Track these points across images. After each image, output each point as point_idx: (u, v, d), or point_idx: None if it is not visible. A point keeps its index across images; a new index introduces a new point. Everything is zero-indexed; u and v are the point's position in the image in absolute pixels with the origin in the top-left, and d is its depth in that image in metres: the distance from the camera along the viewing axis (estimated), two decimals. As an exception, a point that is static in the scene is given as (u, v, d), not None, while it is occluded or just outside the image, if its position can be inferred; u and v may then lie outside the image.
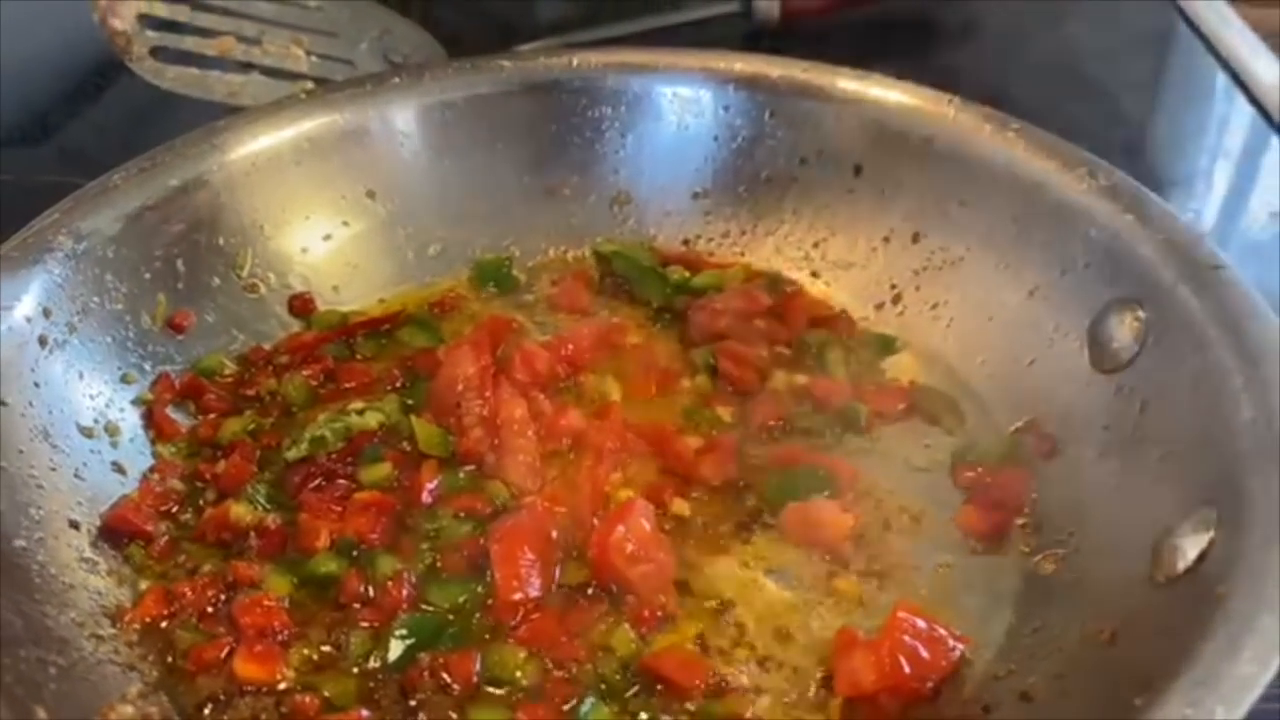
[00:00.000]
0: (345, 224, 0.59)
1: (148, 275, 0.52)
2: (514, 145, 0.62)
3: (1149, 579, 0.39)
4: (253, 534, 0.45)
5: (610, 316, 0.58)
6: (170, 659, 0.41)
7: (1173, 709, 0.31)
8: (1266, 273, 0.63)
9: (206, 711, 0.40)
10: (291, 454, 0.48)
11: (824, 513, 0.46)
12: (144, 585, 0.44)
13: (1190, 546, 0.38)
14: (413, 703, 0.40)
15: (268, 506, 0.47)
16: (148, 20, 0.72)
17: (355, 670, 0.41)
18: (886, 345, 0.56)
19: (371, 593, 0.43)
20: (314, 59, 0.75)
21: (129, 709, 0.38)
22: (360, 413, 0.50)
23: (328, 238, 0.59)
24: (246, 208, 0.56)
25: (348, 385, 0.53)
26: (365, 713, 0.39)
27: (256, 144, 0.57)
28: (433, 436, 0.49)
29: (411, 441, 0.49)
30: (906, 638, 0.40)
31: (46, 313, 0.47)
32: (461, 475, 0.48)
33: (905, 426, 0.52)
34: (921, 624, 0.40)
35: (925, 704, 0.40)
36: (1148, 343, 0.46)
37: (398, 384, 0.54)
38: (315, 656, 0.41)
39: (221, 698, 0.40)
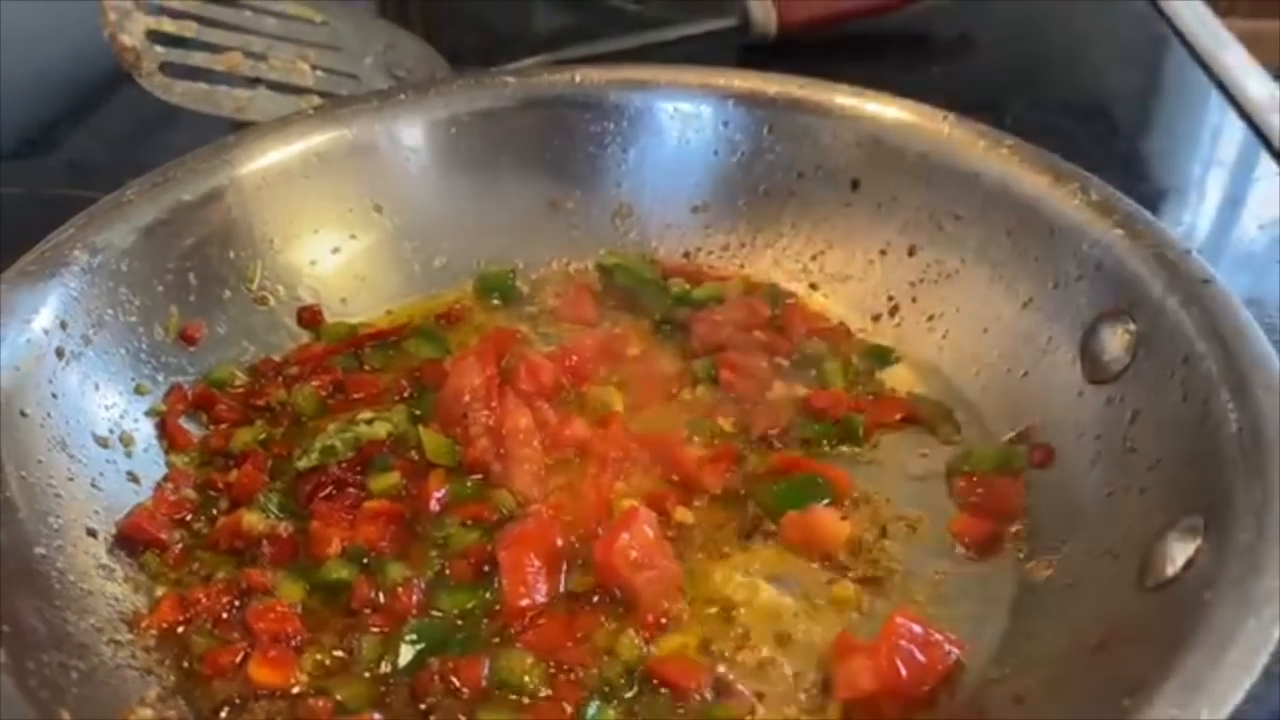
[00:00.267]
0: (353, 237, 0.60)
1: (160, 288, 0.53)
2: (518, 159, 0.63)
3: (1138, 585, 0.40)
4: (265, 542, 0.46)
5: (613, 328, 0.60)
6: (186, 664, 0.42)
7: (1160, 711, 0.32)
8: (1259, 283, 0.65)
9: (223, 715, 0.41)
10: (302, 463, 0.49)
11: (822, 521, 0.47)
12: (160, 592, 0.45)
13: (1178, 554, 0.39)
14: (423, 706, 0.41)
15: (279, 515, 0.47)
16: (156, 36, 0.73)
17: (367, 675, 0.42)
18: (883, 356, 0.57)
19: (382, 599, 0.44)
20: (319, 73, 0.76)
21: (148, 712, 0.39)
22: (369, 423, 0.51)
23: (336, 251, 0.60)
24: (257, 221, 0.57)
25: (356, 396, 0.54)
26: (377, 716, 0.40)
27: (266, 159, 0.58)
28: (440, 446, 0.50)
29: (419, 451, 0.50)
30: (903, 642, 0.41)
31: (63, 325, 0.48)
32: (468, 484, 0.49)
33: (902, 436, 0.53)
34: (918, 629, 0.41)
35: (922, 707, 0.41)
36: (1138, 355, 0.47)
37: (405, 394, 0.55)
38: (327, 661, 0.42)
39: (237, 701, 0.41)
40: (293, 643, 0.42)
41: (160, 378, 0.52)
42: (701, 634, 0.44)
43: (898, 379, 0.56)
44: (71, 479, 0.46)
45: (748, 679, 0.42)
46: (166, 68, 0.72)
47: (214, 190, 0.56)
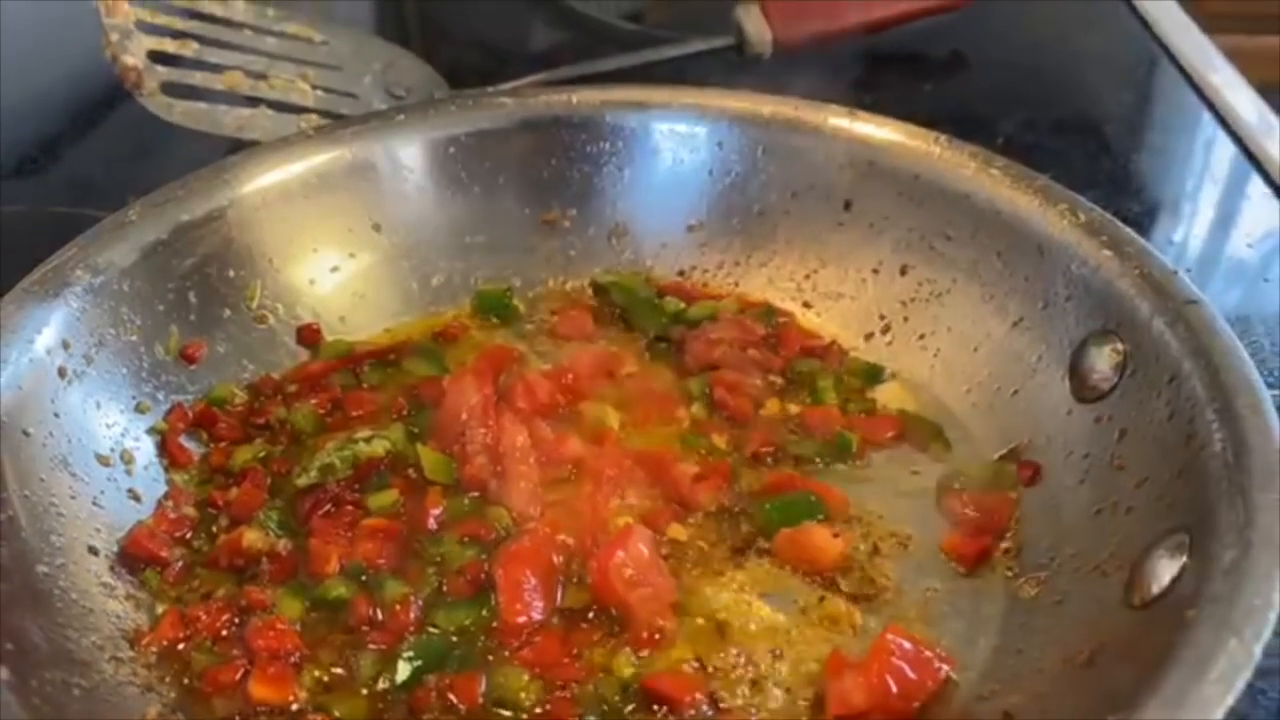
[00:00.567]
0: (352, 256, 0.61)
1: (161, 307, 0.54)
2: (515, 179, 0.64)
3: (1125, 602, 0.40)
4: (265, 559, 0.47)
5: (608, 346, 0.60)
6: (187, 680, 0.42)
7: (1144, 727, 0.33)
8: (1247, 301, 0.65)
9: (223, 731, 0.41)
10: (301, 481, 0.50)
11: (815, 538, 0.48)
12: (160, 609, 0.45)
13: (1164, 571, 0.40)
14: (420, 722, 0.42)
15: (279, 532, 0.48)
16: (157, 56, 0.74)
17: (365, 691, 0.42)
18: (876, 374, 0.57)
19: (380, 616, 0.45)
20: (319, 93, 0.77)
21: (149, 729, 0.39)
22: (367, 440, 0.52)
23: (335, 269, 0.60)
24: (256, 241, 0.58)
25: (355, 414, 0.55)
26: (375, 732, 0.41)
27: (266, 179, 0.59)
28: (438, 464, 0.51)
29: (417, 468, 0.51)
30: (894, 659, 0.42)
31: (65, 345, 0.49)
32: (466, 501, 0.50)
33: (894, 454, 0.53)
34: (909, 646, 0.42)
35: (913, 723, 0.41)
36: (1126, 374, 0.48)
37: (403, 412, 0.55)
38: (326, 678, 0.43)
39: (237, 718, 0.41)
40: (292, 660, 0.43)
41: (161, 396, 0.53)
42: (696, 651, 0.44)
43: (889, 397, 0.56)
44: (73, 497, 0.46)
45: (741, 695, 0.43)
46: (167, 87, 0.73)
47: (214, 210, 0.57)
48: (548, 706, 0.42)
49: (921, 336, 0.58)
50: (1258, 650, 0.33)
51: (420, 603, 0.45)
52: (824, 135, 0.61)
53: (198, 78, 0.74)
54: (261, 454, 0.52)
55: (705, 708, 0.42)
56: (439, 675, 0.42)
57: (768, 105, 0.63)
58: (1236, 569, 0.36)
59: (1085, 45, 0.95)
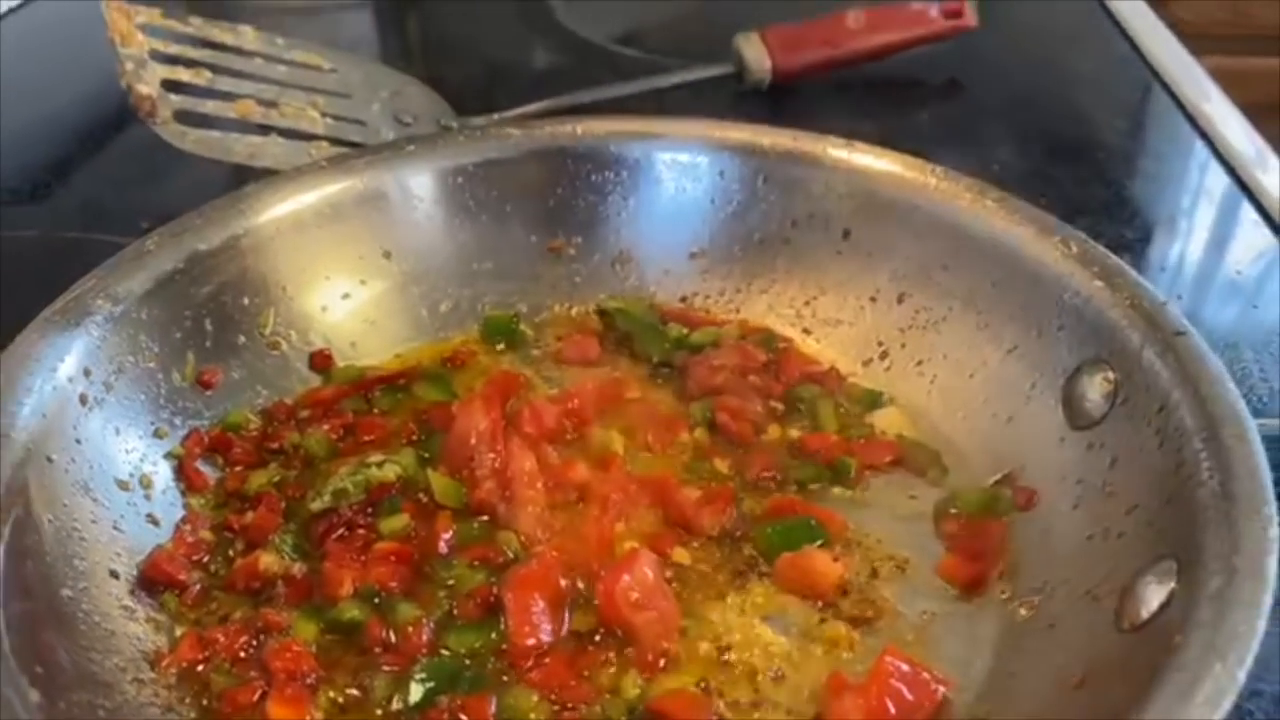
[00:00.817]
0: (363, 283, 0.62)
1: (178, 335, 0.55)
2: (522, 207, 0.65)
3: (1116, 626, 0.42)
4: (280, 582, 0.48)
5: (613, 371, 0.62)
6: (206, 702, 0.44)
7: (1132, 749, 0.34)
8: (1237, 328, 0.67)
9: (241, 751, 0.42)
10: (315, 505, 0.51)
11: (815, 562, 0.49)
12: (179, 631, 0.46)
13: (1153, 596, 0.41)
14: (433, 742, 0.43)
15: (294, 556, 0.49)
16: (171, 84, 0.76)
17: (379, 712, 0.43)
18: (874, 400, 0.59)
19: (393, 638, 0.46)
20: (328, 120, 0.79)
21: (170, 749, 0.41)
22: (379, 465, 0.53)
23: (346, 296, 0.62)
24: (270, 269, 0.59)
25: (366, 438, 0.56)
26: (389, 752, 0.42)
27: (280, 209, 0.60)
28: (448, 489, 0.52)
29: (427, 493, 0.52)
30: (893, 681, 0.43)
31: (86, 372, 0.50)
32: (475, 525, 0.51)
33: (892, 478, 0.55)
34: (906, 668, 0.43)
35: (910, 743, 0.43)
36: (1117, 402, 0.50)
37: (413, 437, 0.56)
38: (341, 699, 0.44)
39: (255, 738, 0.43)
40: (308, 681, 0.44)
41: (178, 422, 0.54)
42: (699, 672, 0.45)
43: (887, 422, 0.57)
44: (95, 522, 0.47)
45: (744, 716, 0.44)
46: (181, 116, 0.75)
47: (230, 240, 0.58)
48: (557, 727, 0.43)
49: (919, 363, 0.59)
50: (1241, 675, 0.35)
51: (432, 625, 0.46)
52: (823, 166, 0.63)
53: (210, 106, 0.76)
54: (276, 479, 0.53)
55: (709, 728, 0.43)
56: (451, 696, 0.44)
57: (767, 136, 0.65)
58: (1222, 596, 0.37)
59: (1079, 71, 0.97)
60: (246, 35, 0.81)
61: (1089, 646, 0.42)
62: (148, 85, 0.74)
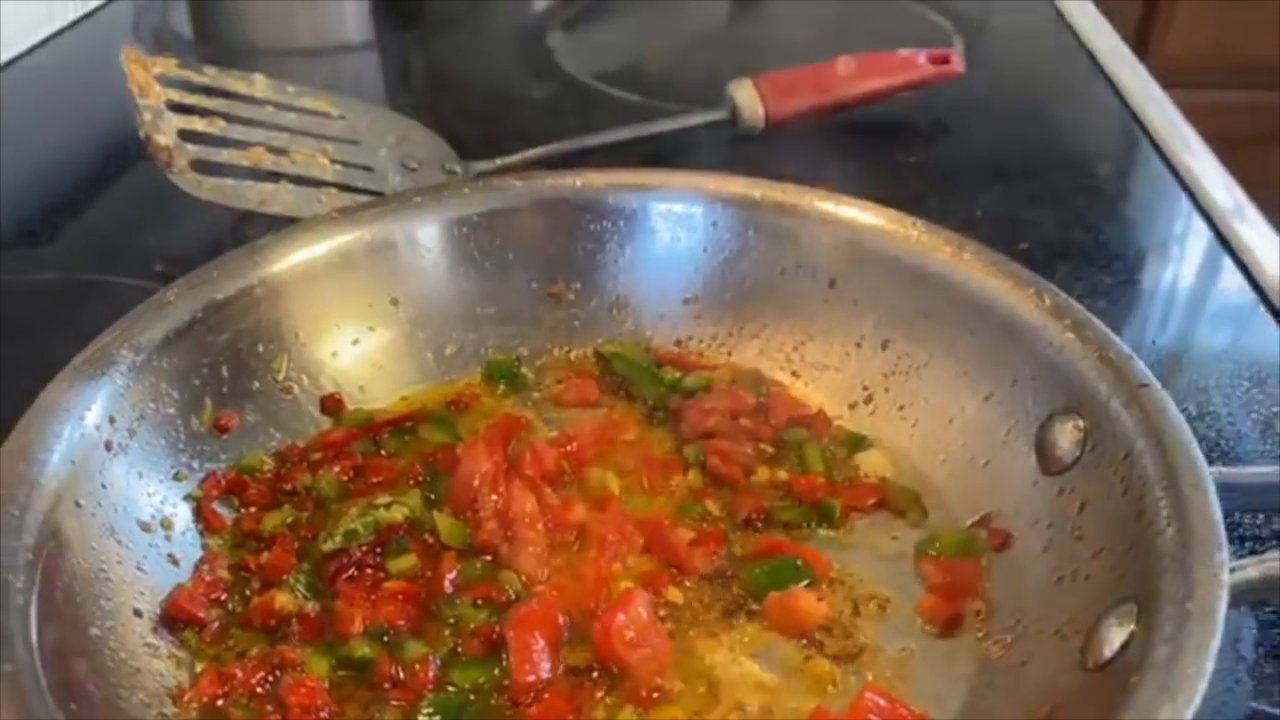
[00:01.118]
0: (371, 329, 0.65)
1: (197, 381, 0.58)
2: (523, 255, 0.68)
3: (1081, 665, 0.44)
4: (294, 620, 0.51)
5: (610, 413, 0.65)
6: (225, 736, 0.47)
7: (1090, 784, 0.37)
8: (1208, 377, 0.69)
9: (259, 783, 0.45)
10: (327, 546, 0.54)
11: (801, 601, 0.52)
12: (199, 667, 0.49)
13: (1115, 637, 0.44)
14: (439, 775, 0.45)
15: (307, 595, 0.52)
16: (186, 134, 0.79)
17: (389, 745, 0.46)
18: (858, 443, 0.62)
19: (401, 674, 0.49)
20: (338, 166, 0.82)
21: (193, 781, 0.43)
22: (387, 507, 0.56)
23: (355, 342, 0.65)
24: (284, 317, 0.62)
25: (375, 480, 0.59)
26: (398, 783, 0.45)
27: (293, 259, 0.63)
28: (453, 530, 0.55)
29: (433, 534, 0.55)
30: (872, 715, 0.46)
31: (111, 420, 0.53)
32: (478, 565, 0.54)
33: (874, 519, 0.57)
34: (885, 703, 0.46)
35: (888, 775, 0.45)
36: (1086, 450, 0.52)
37: (419, 479, 0.59)
38: (352, 732, 0.47)
39: (272, 770, 0.45)
40: (321, 715, 0.47)
41: (196, 465, 0.57)
42: (691, 707, 0.48)
43: (871, 464, 0.60)
44: (120, 563, 0.50)
45: (733, 749, 0.47)
46: (196, 165, 0.78)
47: (245, 290, 0.61)
48: (555, 759, 0.46)
49: (901, 407, 0.62)
50: (1189, 714, 0.37)
51: (438, 662, 0.49)
52: (810, 218, 0.66)
53: (224, 155, 0.79)
54: (289, 520, 0.56)
55: (700, 760, 0.46)
56: (456, 729, 0.46)
57: (758, 189, 0.68)
58: (1175, 639, 0.40)
59: (1062, 117, 1.00)
60: (258, 84, 0.84)
61: (1055, 684, 0.45)
62: (165, 135, 0.77)
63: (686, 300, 0.69)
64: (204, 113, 0.80)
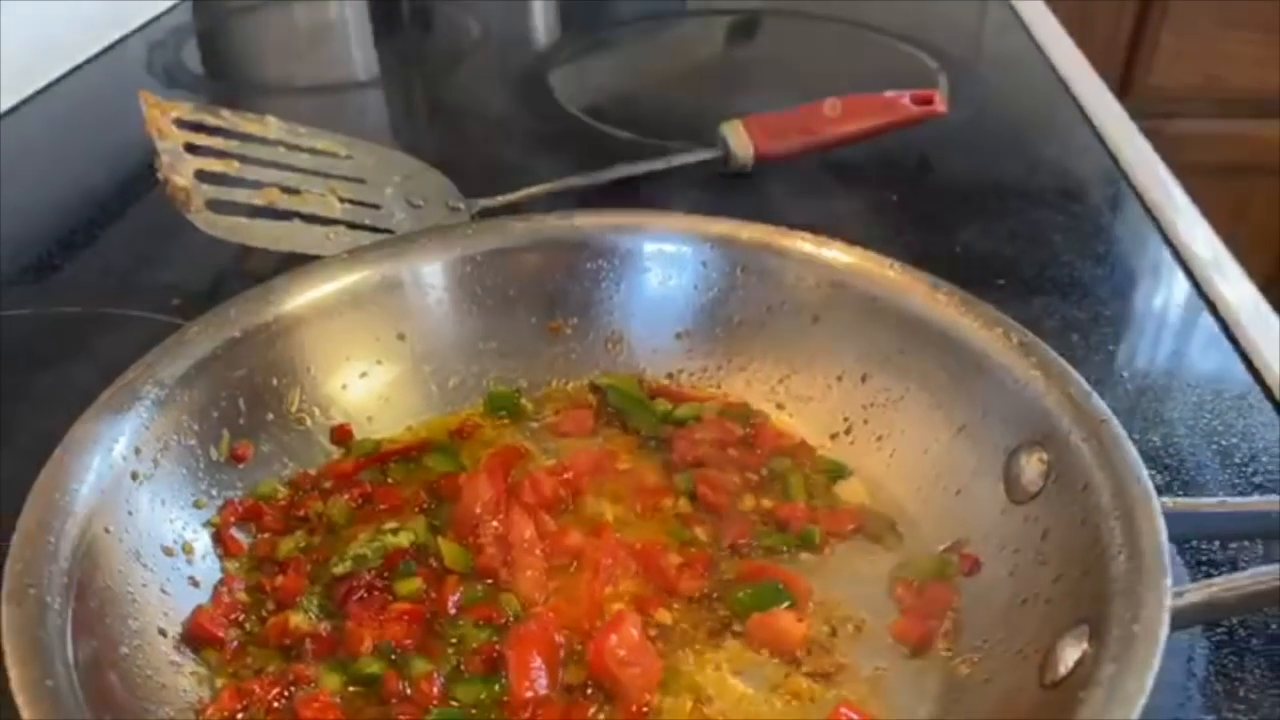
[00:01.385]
0: (379, 363, 0.69)
1: (215, 414, 0.62)
2: (524, 292, 0.72)
3: (1039, 683, 0.48)
4: (308, 639, 0.54)
5: (605, 443, 0.68)
6: (245, 748, 0.50)
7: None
8: (1175, 402, 0.73)
9: (276, 792, 0.49)
10: (338, 570, 0.57)
11: (781, 622, 0.55)
12: (219, 684, 0.52)
13: (1070, 656, 0.47)
14: (444, 783, 0.49)
15: (319, 615, 0.55)
16: (203, 175, 0.83)
17: (397, 754, 0.50)
18: (839, 471, 0.65)
19: (407, 690, 0.52)
20: (346, 205, 0.86)
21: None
22: (394, 533, 0.59)
23: (364, 375, 0.68)
24: (296, 353, 0.66)
25: (382, 507, 0.62)
26: (405, 791, 0.48)
27: (306, 298, 0.66)
28: (456, 555, 0.58)
29: (438, 558, 0.58)
30: (846, 730, 0.50)
31: (137, 451, 0.56)
32: (480, 588, 0.57)
33: (852, 545, 0.61)
34: (856, 716, 0.50)
35: (861, 785, 0.49)
36: (1049, 480, 0.56)
37: (424, 506, 0.62)
38: (363, 745, 0.50)
39: (288, 780, 0.49)
40: (334, 728, 0.50)
41: (214, 493, 0.60)
42: (678, 721, 0.52)
43: (850, 492, 0.64)
44: (145, 585, 0.54)
45: (716, 761, 0.50)
46: (212, 204, 0.82)
47: (260, 327, 0.64)
48: (551, 770, 0.49)
49: (879, 438, 0.66)
50: (1129, 726, 0.41)
51: (442, 679, 0.52)
52: (794, 258, 0.70)
53: (239, 194, 0.83)
54: (302, 545, 0.60)
55: (686, 771, 0.49)
56: (459, 743, 0.50)
57: (745, 230, 0.71)
58: (1120, 657, 0.44)
59: (1043, 157, 1.04)
60: (271, 125, 0.88)
61: (1016, 700, 0.48)
62: (183, 177, 0.81)
63: (678, 335, 0.72)
64: (219, 154, 0.84)
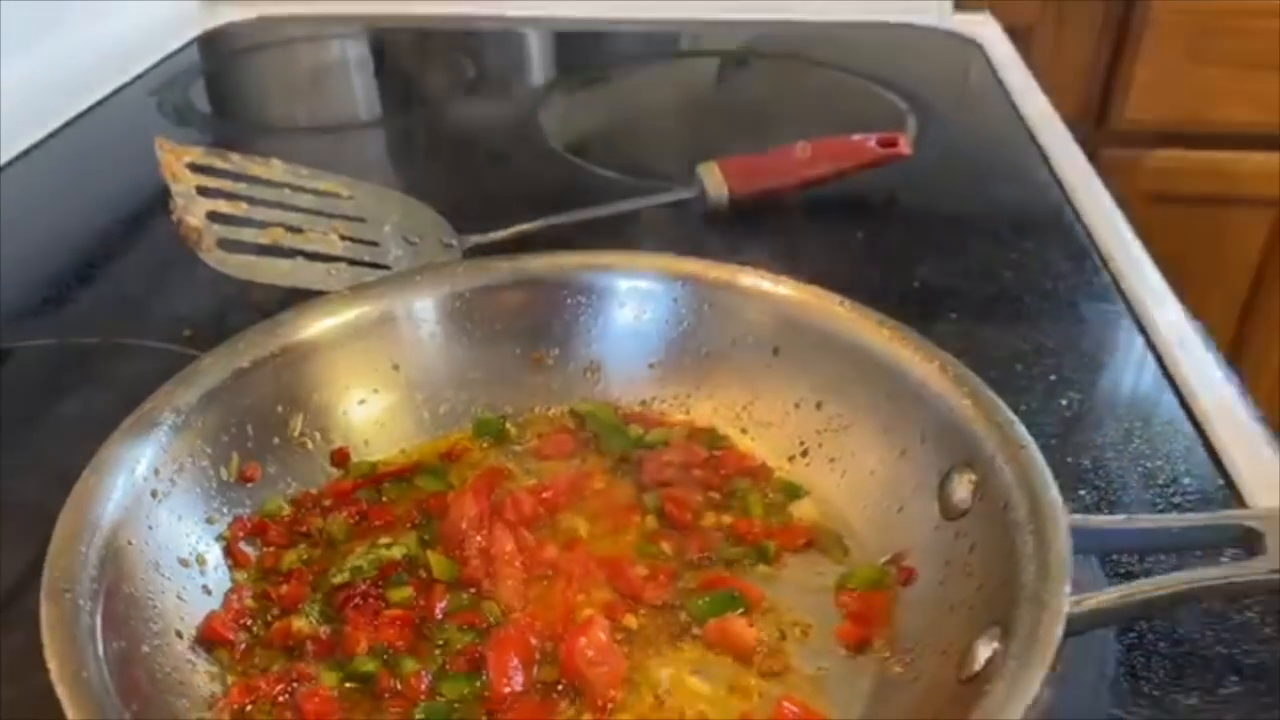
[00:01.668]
0: (375, 391, 0.75)
1: (225, 438, 0.68)
2: (509, 326, 0.78)
3: (957, 679, 0.54)
4: (309, 642, 0.60)
5: (582, 465, 0.74)
6: (252, 736, 0.56)
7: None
8: (1104, 427, 0.79)
9: (279, 775, 0.55)
10: (337, 579, 0.63)
11: (735, 627, 0.61)
12: (230, 680, 0.58)
13: (983, 655, 0.53)
14: (429, 769, 0.55)
15: (320, 620, 0.62)
16: (214, 216, 0.89)
17: (388, 744, 0.56)
18: (795, 491, 0.71)
19: (398, 686, 0.58)
20: (347, 243, 0.93)
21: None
22: (388, 547, 0.65)
23: (362, 402, 0.75)
24: (299, 382, 0.72)
25: (377, 523, 0.69)
26: (395, 775, 0.54)
27: (309, 332, 0.73)
28: (444, 566, 0.64)
29: (427, 569, 0.64)
30: (788, 721, 0.56)
31: (156, 472, 0.63)
32: (464, 596, 0.63)
33: (803, 557, 0.67)
34: (798, 710, 0.56)
35: (800, 770, 0.55)
36: (977, 499, 0.62)
37: (415, 522, 0.69)
38: (358, 734, 0.56)
39: (291, 764, 0.55)
40: (333, 719, 0.56)
41: (225, 510, 0.66)
42: (640, 715, 0.57)
43: (803, 510, 0.70)
44: (163, 592, 0.60)
45: (673, 749, 0.56)
46: (223, 243, 0.88)
47: (267, 358, 0.71)
48: (525, 757, 0.55)
49: (832, 460, 0.72)
50: (1020, 712, 0.47)
51: (429, 676, 0.58)
52: (755, 296, 0.76)
53: (247, 234, 0.90)
54: (304, 557, 0.66)
55: (646, 758, 0.55)
56: (443, 732, 0.56)
57: (712, 270, 0.78)
58: (1021, 655, 0.50)
59: (1001, 196, 1.10)
60: (276, 168, 0.95)
61: (936, 695, 0.54)
62: (195, 218, 0.88)
63: (651, 365, 0.79)
64: (229, 196, 0.91)
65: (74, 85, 1.35)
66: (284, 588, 0.64)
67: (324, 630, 0.61)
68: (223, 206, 0.90)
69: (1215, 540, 0.60)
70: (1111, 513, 0.72)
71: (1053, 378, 0.84)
